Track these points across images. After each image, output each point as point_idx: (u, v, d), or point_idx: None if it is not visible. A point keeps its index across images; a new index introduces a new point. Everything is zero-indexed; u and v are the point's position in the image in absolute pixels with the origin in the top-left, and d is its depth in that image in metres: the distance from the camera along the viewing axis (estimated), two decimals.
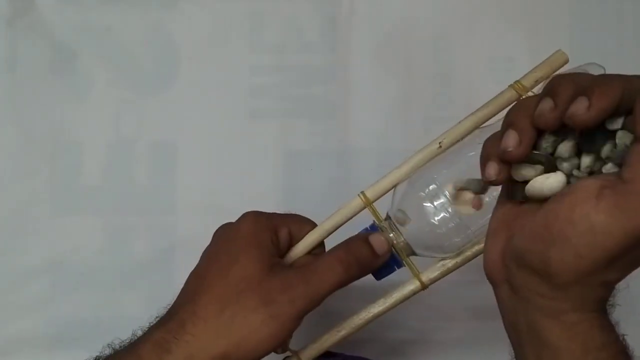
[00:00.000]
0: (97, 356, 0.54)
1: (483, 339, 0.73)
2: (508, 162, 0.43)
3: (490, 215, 0.47)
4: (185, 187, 0.77)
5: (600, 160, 0.41)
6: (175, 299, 0.55)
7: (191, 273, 0.55)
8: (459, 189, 0.50)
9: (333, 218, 0.58)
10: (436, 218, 0.54)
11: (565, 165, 0.42)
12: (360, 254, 0.54)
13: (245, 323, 0.51)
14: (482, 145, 0.45)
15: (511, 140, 0.42)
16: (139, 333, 0.53)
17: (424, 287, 0.56)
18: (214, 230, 0.57)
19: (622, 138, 0.40)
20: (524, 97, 0.54)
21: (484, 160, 0.44)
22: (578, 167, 0.42)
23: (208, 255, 0.56)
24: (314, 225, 0.58)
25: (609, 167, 0.41)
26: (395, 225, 0.56)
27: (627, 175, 0.38)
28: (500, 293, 0.45)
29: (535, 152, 0.43)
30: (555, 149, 0.42)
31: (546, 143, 0.42)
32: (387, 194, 0.58)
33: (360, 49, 0.78)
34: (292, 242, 0.58)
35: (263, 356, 0.52)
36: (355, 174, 0.77)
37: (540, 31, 0.78)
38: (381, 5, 0.79)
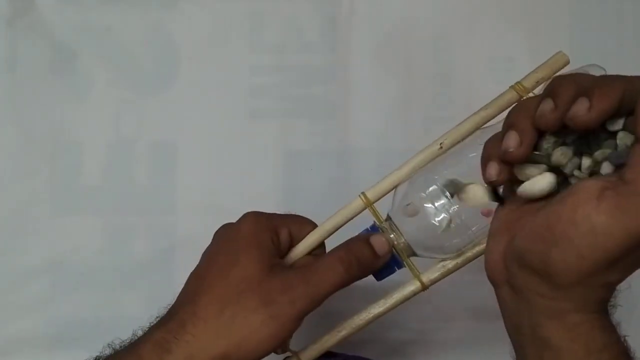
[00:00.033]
0: (97, 356, 0.54)
1: (483, 339, 0.74)
2: (509, 163, 0.43)
3: (490, 218, 0.47)
4: (185, 187, 0.77)
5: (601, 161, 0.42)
6: (175, 299, 0.54)
7: (191, 273, 0.55)
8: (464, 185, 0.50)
9: (334, 219, 0.58)
10: (437, 219, 0.54)
11: (566, 166, 0.42)
12: (361, 255, 0.54)
13: (246, 323, 0.51)
14: (483, 146, 0.45)
15: (512, 141, 0.42)
16: (139, 333, 0.53)
17: (425, 287, 0.56)
18: (214, 230, 0.57)
19: (623, 139, 0.40)
20: (524, 98, 0.54)
21: (485, 161, 0.44)
22: (579, 167, 0.42)
23: (208, 256, 0.56)
24: (314, 225, 0.58)
25: (605, 167, 0.41)
26: (395, 226, 0.56)
27: (628, 176, 0.38)
28: (502, 294, 0.45)
29: (536, 152, 0.43)
30: (555, 149, 0.43)
31: (547, 143, 0.42)
32: (387, 195, 0.58)
33: (360, 49, 0.79)
34: (292, 243, 0.58)
35: (263, 356, 0.51)
36: (355, 174, 0.77)
37: (540, 31, 0.78)
38: (381, 5, 0.79)
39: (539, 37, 0.78)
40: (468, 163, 0.52)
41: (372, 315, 0.57)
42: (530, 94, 0.54)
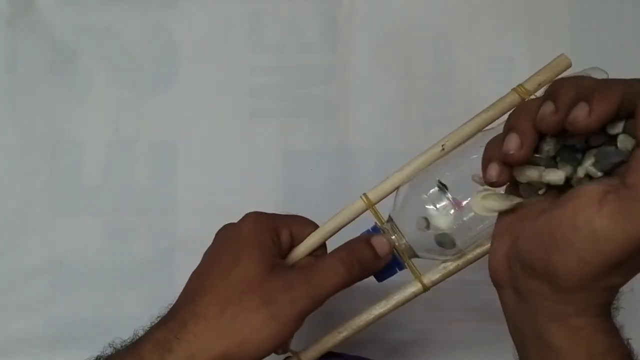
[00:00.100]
0: (98, 355, 0.54)
1: (484, 340, 0.74)
2: (509, 165, 0.43)
3: (491, 218, 0.47)
4: (185, 187, 0.77)
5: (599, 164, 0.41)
6: (175, 299, 0.55)
7: (193, 273, 0.55)
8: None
9: (335, 219, 0.58)
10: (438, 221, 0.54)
11: (567, 168, 0.42)
12: (362, 256, 0.54)
13: (247, 323, 0.51)
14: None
15: (513, 143, 0.42)
16: (140, 332, 0.53)
17: (426, 289, 0.56)
18: (214, 230, 0.57)
19: (624, 142, 0.40)
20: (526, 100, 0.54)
21: (486, 162, 0.44)
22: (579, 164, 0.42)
23: (210, 256, 0.56)
24: (315, 226, 0.58)
25: (592, 170, 0.41)
26: (397, 227, 0.56)
27: (630, 180, 0.38)
28: (505, 296, 0.45)
29: (537, 155, 0.43)
30: (557, 151, 0.43)
31: (548, 146, 0.42)
32: (389, 196, 0.58)
33: (360, 49, 0.79)
34: (293, 243, 0.58)
35: (264, 356, 0.52)
36: (355, 174, 0.77)
37: (540, 31, 0.78)
38: (381, 5, 0.79)
39: (539, 37, 0.78)
40: (470, 165, 0.52)
41: (373, 316, 0.57)
42: (532, 97, 0.54)
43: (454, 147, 0.56)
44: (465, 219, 0.53)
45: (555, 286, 0.41)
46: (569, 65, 0.54)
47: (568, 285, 0.40)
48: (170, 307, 0.54)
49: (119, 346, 0.53)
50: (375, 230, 0.57)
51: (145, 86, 0.78)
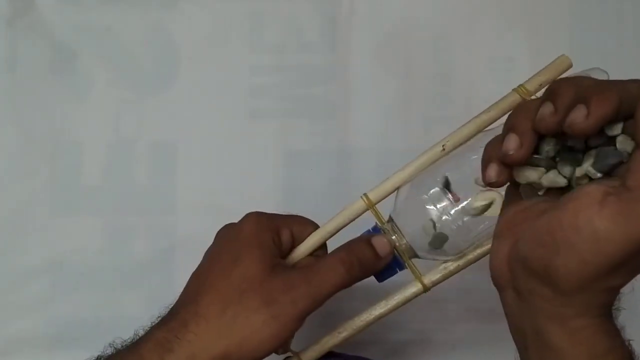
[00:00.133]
0: (99, 355, 0.54)
1: (484, 340, 0.74)
2: (509, 165, 0.43)
3: (492, 219, 0.47)
4: (185, 187, 0.77)
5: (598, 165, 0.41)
6: (175, 298, 0.55)
7: (193, 273, 0.55)
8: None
9: (335, 220, 0.58)
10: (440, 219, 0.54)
11: (566, 169, 0.42)
12: (362, 256, 0.54)
13: (247, 323, 0.51)
14: None
15: (512, 144, 0.42)
16: (141, 332, 0.53)
17: (426, 289, 0.56)
18: (214, 230, 0.58)
19: (623, 143, 0.40)
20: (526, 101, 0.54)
21: (485, 163, 0.44)
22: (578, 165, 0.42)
23: (210, 255, 0.56)
24: (316, 226, 0.59)
25: (591, 171, 0.41)
26: (397, 228, 0.56)
27: (630, 182, 0.37)
28: (506, 297, 0.45)
29: (536, 156, 0.43)
30: (557, 152, 0.43)
31: (547, 146, 0.42)
32: (390, 196, 0.58)
33: (360, 49, 0.79)
34: (294, 244, 0.58)
35: (264, 356, 0.52)
36: (355, 174, 0.77)
37: (540, 31, 0.78)
38: (381, 5, 0.79)
39: (539, 37, 0.78)
40: (470, 165, 0.52)
41: (373, 316, 0.57)
42: (533, 97, 0.54)
43: (455, 148, 0.56)
44: (465, 219, 0.53)
45: (555, 287, 0.40)
46: (570, 66, 0.54)
47: (568, 286, 0.40)
48: (170, 307, 0.54)
49: (119, 346, 0.54)
50: (376, 230, 0.57)
51: (145, 86, 0.78)
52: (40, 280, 0.76)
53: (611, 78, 0.45)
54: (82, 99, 0.77)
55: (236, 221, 0.57)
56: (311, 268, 0.53)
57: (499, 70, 0.78)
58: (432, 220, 0.54)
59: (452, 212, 0.53)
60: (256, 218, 0.56)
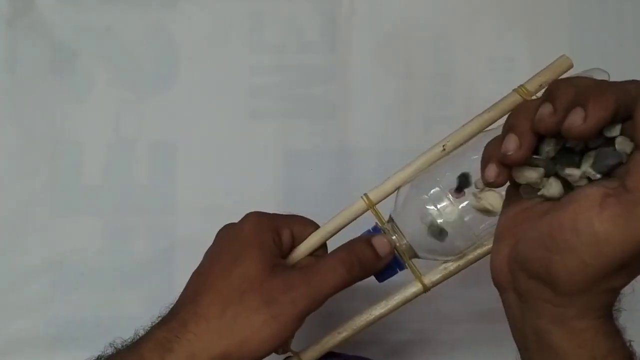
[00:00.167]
0: (99, 355, 0.54)
1: (484, 340, 0.74)
2: (508, 165, 0.43)
3: (492, 219, 0.47)
4: (185, 187, 0.77)
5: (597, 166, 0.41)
6: (175, 298, 0.55)
7: (193, 273, 0.55)
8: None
9: (335, 220, 0.58)
10: (439, 221, 0.54)
11: (565, 171, 0.42)
12: (362, 256, 0.54)
13: (247, 323, 0.51)
14: None
15: (511, 144, 0.42)
16: (141, 332, 0.53)
17: (426, 289, 0.56)
18: (214, 230, 0.58)
19: (622, 144, 0.40)
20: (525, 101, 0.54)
21: (485, 162, 0.44)
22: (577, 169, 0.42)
23: (210, 255, 0.56)
24: (316, 226, 0.58)
25: (590, 172, 0.41)
26: (397, 228, 0.56)
27: (630, 184, 0.38)
28: (507, 299, 0.45)
29: (535, 156, 0.43)
30: (557, 152, 0.43)
31: (547, 147, 0.42)
32: (390, 197, 0.58)
33: (360, 49, 0.78)
34: (294, 244, 0.58)
35: (264, 356, 0.52)
36: (355, 174, 0.77)
37: (540, 31, 0.78)
38: (381, 5, 0.79)
39: (539, 37, 0.78)
40: (471, 165, 0.52)
41: (373, 316, 0.57)
42: (534, 97, 0.54)
43: (455, 148, 0.56)
44: (466, 219, 0.53)
45: (555, 288, 0.41)
46: (571, 66, 0.54)
47: (568, 287, 0.40)
48: (170, 306, 0.54)
49: (119, 346, 0.54)
50: (376, 230, 0.57)
51: (145, 86, 0.78)
52: (40, 280, 0.75)
53: (611, 78, 0.45)
54: (82, 99, 0.77)
55: (236, 221, 0.57)
56: (311, 268, 0.53)
57: (499, 70, 0.78)
58: (432, 220, 0.54)
59: (453, 212, 0.53)
60: (256, 218, 0.56)
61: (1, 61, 0.77)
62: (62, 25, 0.78)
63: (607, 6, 0.79)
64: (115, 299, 0.76)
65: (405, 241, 0.56)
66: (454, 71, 0.78)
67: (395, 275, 0.57)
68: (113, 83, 0.78)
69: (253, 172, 0.77)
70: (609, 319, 0.42)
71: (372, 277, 0.57)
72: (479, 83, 0.78)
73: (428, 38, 0.79)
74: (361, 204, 0.57)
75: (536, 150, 0.43)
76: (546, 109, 0.40)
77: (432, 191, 0.54)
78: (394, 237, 0.56)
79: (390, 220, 0.57)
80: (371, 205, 0.57)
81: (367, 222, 0.58)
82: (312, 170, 0.77)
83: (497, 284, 0.46)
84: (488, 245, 0.54)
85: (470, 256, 0.55)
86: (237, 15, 0.79)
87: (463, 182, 0.53)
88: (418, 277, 0.56)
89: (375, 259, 0.55)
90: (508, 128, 0.43)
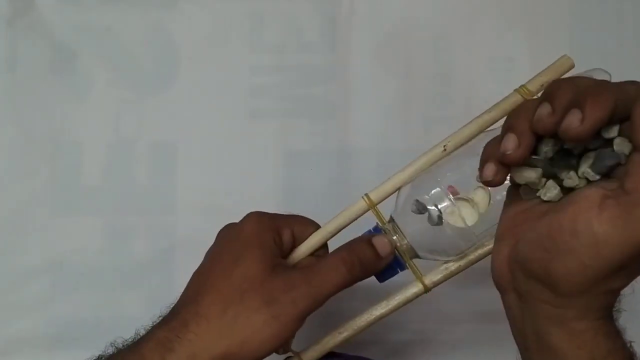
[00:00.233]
0: (99, 355, 0.54)
1: (484, 340, 0.74)
2: (507, 165, 0.43)
3: (492, 220, 0.47)
4: (185, 187, 0.77)
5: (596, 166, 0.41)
6: (175, 299, 0.55)
7: (194, 273, 0.55)
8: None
9: (336, 220, 0.58)
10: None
11: (563, 172, 0.42)
12: (363, 256, 0.54)
13: (248, 323, 0.51)
14: None
15: (510, 144, 0.42)
16: (142, 332, 0.53)
17: (427, 290, 0.56)
18: (214, 230, 0.58)
19: (620, 145, 0.40)
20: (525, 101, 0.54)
21: (483, 162, 0.44)
22: (576, 170, 0.42)
23: (211, 255, 0.56)
24: (317, 226, 0.58)
25: (589, 173, 0.41)
26: (398, 228, 0.56)
27: (629, 185, 0.38)
28: (508, 299, 0.45)
29: (534, 157, 0.43)
30: (555, 153, 0.43)
31: (546, 147, 0.42)
32: (390, 197, 0.58)
33: (360, 49, 0.79)
34: (295, 244, 0.58)
35: (265, 356, 0.52)
36: (355, 174, 0.77)
37: (540, 31, 0.78)
38: (381, 5, 0.79)
39: (539, 37, 0.78)
40: (471, 166, 0.52)
41: (374, 316, 0.57)
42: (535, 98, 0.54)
43: (456, 148, 0.56)
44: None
45: (555, 289, 0.41)
46: (572, 66, 0.54)
47: (568, 289, 0.40)
48: (171, 306, 0.54)
49: (120, 345, 0.54)
50: (377, 230, 0.57)
51: (145, 86, 0.78)
52: (40, 280, 0.75)
53: (611, 79, 0.45)
54: (82, 99, 0.77)
55: (236, 221, 0.57)
56: (312, 268, 0.53)
57: (499, 70, 0.78)
58: (432, 220, 0.54)
59: (453, 212, 0.53)
60: (257, 218, 0.56)
61: (1, 61, 0.77)
62: (62, 25, 0.78)
63: (607, 6, 0.79)
64: (115, 299, 0.76)
65: (406, 241, 0.56)
66: (454, 71, 0.78)
67: (396, 276, 0.57)
68: (113, 83, 0.78)
69: (253, 172, 0.77)
70: (608, 320, 0.42)
71: (373, 277, 0.57)
72: (479, 83, 0.78)
73: (428, 38, 0.79)
74: (362, 204, 0.57)
75: (535, 151, 0.43)
76: (545, 109, 0.40)
77: (432, 191, 0.54)
78: (394, 237, 0.56)
79: (391, 220, 0.57)
80: (372, 206, 0.57)
81: (368, 223, 0.58)
82: (312, 170, 0.77)
83: (498, 285, 0.46)
84: (489, 246, 0.54)
85: (471, 256, 0.55)
86: (237, 15, 0.79)
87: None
88: (419, 277, 0.56)
89: (376, 259, 0.55)
90: (507, 128, 0.43)
